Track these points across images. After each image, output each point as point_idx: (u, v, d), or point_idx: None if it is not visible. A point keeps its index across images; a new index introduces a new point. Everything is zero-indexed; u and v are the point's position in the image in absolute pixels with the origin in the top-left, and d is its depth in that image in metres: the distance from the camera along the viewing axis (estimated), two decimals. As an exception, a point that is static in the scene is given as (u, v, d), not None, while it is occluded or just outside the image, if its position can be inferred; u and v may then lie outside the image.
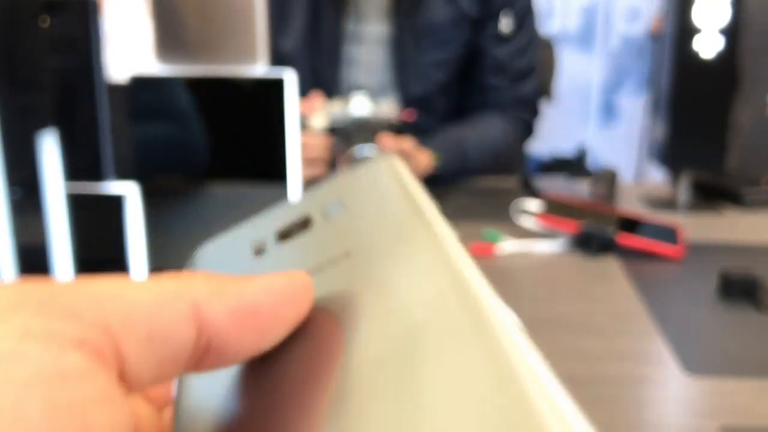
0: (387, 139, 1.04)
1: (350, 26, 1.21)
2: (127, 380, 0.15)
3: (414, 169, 1.09)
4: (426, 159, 1.11)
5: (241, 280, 0.17)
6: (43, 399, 0.13)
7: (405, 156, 1.06)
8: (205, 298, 0.16)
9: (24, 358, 0.13)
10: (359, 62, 1.23)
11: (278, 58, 1.21)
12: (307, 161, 1.01)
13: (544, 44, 2.84)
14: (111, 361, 0.14)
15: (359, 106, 1.07)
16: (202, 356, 0.16)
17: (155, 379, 0.16)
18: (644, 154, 1.23)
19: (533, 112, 1.33)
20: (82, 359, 0.14)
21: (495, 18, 1.22)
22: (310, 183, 1.03)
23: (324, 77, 1.21)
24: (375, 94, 1.12)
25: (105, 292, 0.15)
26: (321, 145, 1.04)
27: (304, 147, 0.96)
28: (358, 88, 1.11)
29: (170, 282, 0.17)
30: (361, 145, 1.01)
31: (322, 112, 1.07)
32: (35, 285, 0.15)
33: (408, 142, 1.07)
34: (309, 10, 1.19)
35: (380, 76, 1.24)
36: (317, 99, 1.09)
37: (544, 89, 2.90)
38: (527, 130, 1.32)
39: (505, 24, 1.23)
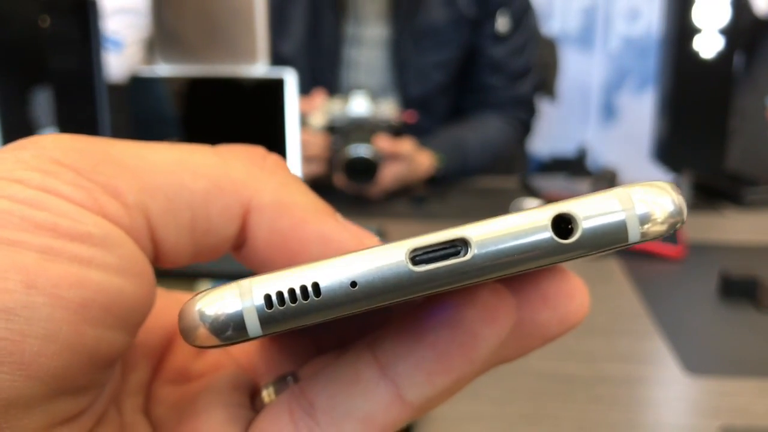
0: (383, 140, 1.04)
1: (350, 29, 1.21)
2: (160, 258, 0.15)
3: (416, 171, 1.09)
4: (428, 160, 1.11)
5: (311, 206, 0.16)
6: (43, 249, 0.12)
7: (405, 158, 1.06)
8: (260, 205, 0.15)
9: (43, 208, 0.13)
10: (359, 64, 1.23)
11: (278, 61, 1.21)
12: (306, 159, 1.01)
13: (547, 44, 2.85)
14: (143, 242, 0.14)
15: (358, 105, 1.07)
16: (236, 249, 0.16)
17: (190, 261, 0.16)
18: (644, 154, 1.23)
19: (531, 111, 1.33)
20: (107, 228, 0.13)
21: (492, 17, 1.22)
22: (309, 181, 1.03)
23: (324, 80, 1.21)
24: (375, 95, 1.12)
25: (155, 172, 0.14)
26: (320, 143, 1.04)
27: (303, 144, 0.96)
28: (359, 87, 1.11)
29: (238, 167, 0.16)
30: (356, 144, 1.01)
31: (322, 110, 1.07)
32: (88, 147, 0.14)
33: (408, 144, 1.07)
34: (309, 14, 1.19)
35: (380, 78, 1.24)
36: (318, 97, 1.09)
37: (547, 88, 2.90)
38: (525, 129, 1.32)
39: (502, 23, 1.23)
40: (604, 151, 3.26)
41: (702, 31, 1.01)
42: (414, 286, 0.13)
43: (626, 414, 0.50)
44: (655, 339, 0.62)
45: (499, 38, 1.23)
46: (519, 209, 0.90)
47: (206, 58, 0.53)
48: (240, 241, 0.16)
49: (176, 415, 0.17)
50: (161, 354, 0.18)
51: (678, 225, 0.13)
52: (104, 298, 0.13)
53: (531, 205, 0.90)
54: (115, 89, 0.63)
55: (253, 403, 0.17)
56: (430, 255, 0.13)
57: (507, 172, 1.31)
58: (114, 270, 0.13)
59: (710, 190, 1.11)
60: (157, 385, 0.18)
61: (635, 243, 0.13)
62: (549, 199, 0.94)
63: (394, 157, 1.04)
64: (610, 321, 0.66)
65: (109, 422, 0.15)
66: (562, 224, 0.13)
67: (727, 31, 1.00)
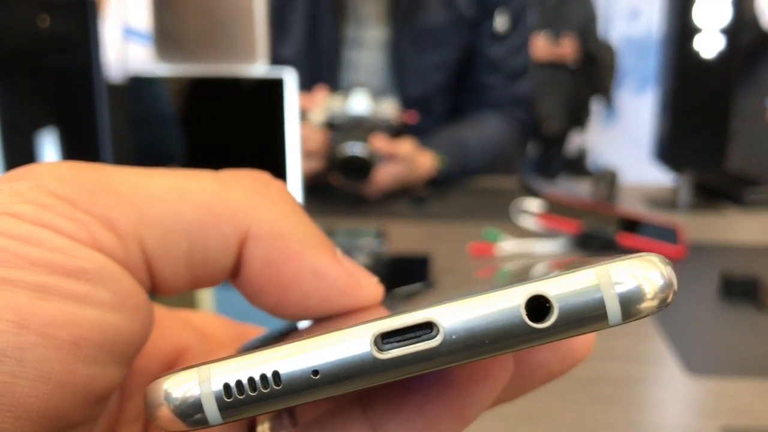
0: (380, 140, 1.03)
1: (350, 31, 1.21)
2: (157, 288, 0.15)
3: (416, 172, 1.09)
4: (428, 161, 1.11)
5: (308, 238, 0.15)
6: (36, 287, 0.12)
7: (403, 159, 1.06)
8: (258, 235, 0.15)
9: (37, 243, 0.13)
10: (359, 66, 1.23)
11: (278, 65, 1.20)
12: (305, 154, 1.01)
13: (605, 48, 2.88)
14: (140, 274, 0.14)
15: (358, 103, 1.07)
16: (233, 277, 0.16)
17: (188, 290, 0.15)
18: (644, 154, 1.23)
19: (529, 111, 1.32)
20: (103, 263, 0.13)
21: (490, 17, 1.22)
22: (308, 177, 1.03)
23: (324, 82, 1.21)
24: (375, 94, 1.12)
25: (152, 202, 0.14)
26: (319, 138, 1.04)
27: (303, 140, 0.96)
28: (361, 85, 1.11)
29: (239, 194, 0.15)
30: (352, 142, 1.01)
31: (322, 107, 1.07)
32: (84, 177, 0.14)
33: (408, 145, 1.07)
34: (308, 18, 1.19)
35: (379, 80, 1.24)
36: (320, 94, 1.09)
37: (604, 91, 2.93)
38: (525, 129, 1.32)
39: (500, 23, 1.22)
40: (604, 151, 3.26)
41: (702, 31, 1.01)
42: (379, 373, 0.12)
43: (626, 414, 0.50)
44: (655, 339, 0.62)
45: (497, 37, 1.23)
46: (519, 210, 0.89)
47: (206, 57, 0.53)
48: (237, 269, 0.16)
49: None
50: None
51: (668, 299, 0.12)
52: (98, 336, 0.13)
53: (531, 206, 0.90)
54: (115, 89, 0.63)
55: None
56: (397, 339, 0.12)
57: (506, 171, 1.30)
58: (108, 306, 0.13)
59: (711, 190, 1.11)
60: None
61: (617, 324, 0.12)
62: (549, 200, 0.94)
63: (391, 157, 1.04)
64: (610, 321, 0.66)
65: None
66: (537, 303, 0.12)
67: (727, 31, 1.00)
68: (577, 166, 3.05)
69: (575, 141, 3.16)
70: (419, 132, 1.16)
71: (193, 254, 0.15)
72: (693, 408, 0.51)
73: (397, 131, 1.09)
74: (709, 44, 1.01)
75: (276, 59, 1.22)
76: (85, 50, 0.55)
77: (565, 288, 0.12)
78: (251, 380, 0.12)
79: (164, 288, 0.15)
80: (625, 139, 3.23)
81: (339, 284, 0.15)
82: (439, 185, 1.14)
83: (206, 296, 0.57)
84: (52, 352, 0.12)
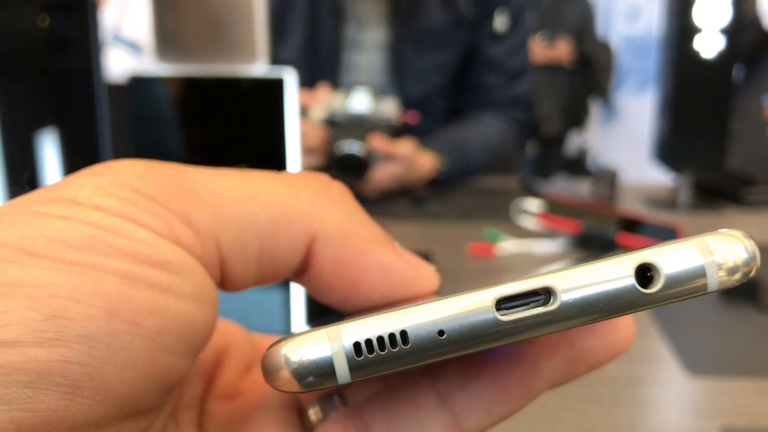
0: (378, 140, 1.03)
1: (350, 33, 1.21)
2: (226, 285, 0.15)
3: (417, 172, 1.09)
4: (429, 162, 1.11)
5: (372, 236, 0.16)
6: (125, 275, 0.13)
7: (402, 159, 1.05)
8: (325, 235, 0.16)
9: (123, 234, 0.13)
10: (359, 68, 1.23)
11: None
12: (306, 150, 1.01)
13: (602, 48, 2.88)
14: (213, 271, 0.15)
15: (359, 102, 1.07)
16: (297, 275, 0.16)
17: (253, 285, 0.16)
18: (644, 154, 1.23)
19: (528, 111, 1.33)
20: (183, 256, 0.14)
21: (490, 17, 1.22)
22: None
23: (324, 83, 1.21)
24: (377, 94, 1.12)
25: (227, 202, 0.15)
26: (319, 135, 1.04)
27: (303, 136, 0.96)
28: (363, 84, 1.10)
29: (305, 197, 0.16)
30: (350, 140, 1.01)
31: (323, 104, 1.07)
32: (163, 174, 0.14)
33: (408, 145, 1.07)
34: (308, 20, 1.19)
35: (380, 80, 1.24)
36: (322, 91, 1.09)
37: (600, 91, 2.93)
38: (524, 129, 1.32)
39: (500, 23, 1.23)
40: (604, 151, 3.26)
41: (702, 31, 1.01)
42: (500, 335, 0.13)
43: (626, 414, 0.50)
44: (655, 339, 0.62)
45: (497, 37, 1.23)
46: (519, 210, 0.88)
47: (206, 57, 0.53)
48: (302, 268, 0.16)
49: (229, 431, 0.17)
50: (213, 370, 0.19)
51: (751, 272, 0.14)
52: (179, 327, 0.13)
53: (531, 206, 0.90)
54: (115, 89, 0.63)
55: (301, 421, 0.17)
56: (514, 303, 0.13)
57: (505, 171, 1.30)
58: (189, 298, 0.14)
59: (710, 190, 1.11)
60: (209, 401, 0.18)
61: (714, 291, 0.14)
62: (549, 200, 0.94)
63: (390, 157, 1.04)
64: (610, 321, 0.66)
65: None
66: (643, 273, 0.13)
67: (727, 31, 1.00)
68: (577, 166, 3.05)
69: (575, 141, 3.16)
70: (419, 132, 1.16)
71: (264, 253, 0.15)
72: (693, 408, 0.51)
73: (397, 131, 1.09)
74: (709, 44, 1.01)
75: (276, 61, 1.22)
76: (85, 50, 0.55)
77: (670, 257, 0.13)
78: (380, 339, 0.13)
79: (232, 284, 0.16)
80: (625, 139, 3.23)
81: (403, 276, 0.16)
82: (439, 185, 1.14)
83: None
84: (138, 341, 0.13)
